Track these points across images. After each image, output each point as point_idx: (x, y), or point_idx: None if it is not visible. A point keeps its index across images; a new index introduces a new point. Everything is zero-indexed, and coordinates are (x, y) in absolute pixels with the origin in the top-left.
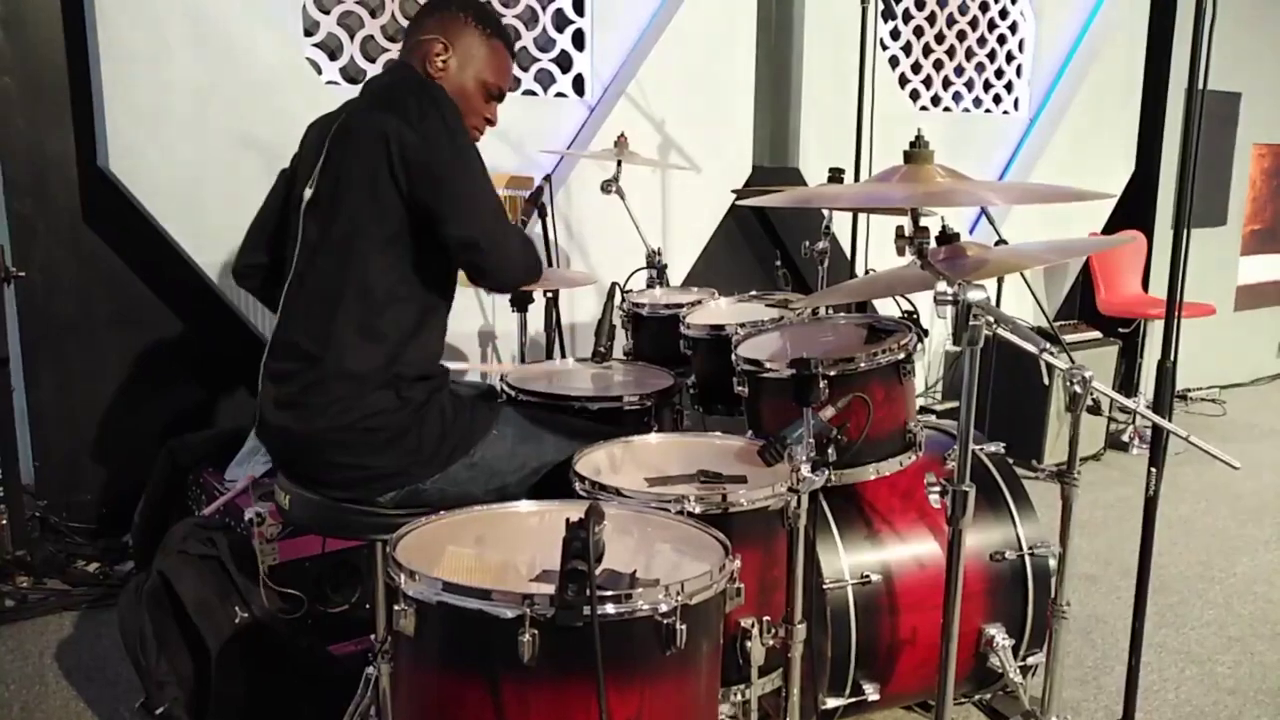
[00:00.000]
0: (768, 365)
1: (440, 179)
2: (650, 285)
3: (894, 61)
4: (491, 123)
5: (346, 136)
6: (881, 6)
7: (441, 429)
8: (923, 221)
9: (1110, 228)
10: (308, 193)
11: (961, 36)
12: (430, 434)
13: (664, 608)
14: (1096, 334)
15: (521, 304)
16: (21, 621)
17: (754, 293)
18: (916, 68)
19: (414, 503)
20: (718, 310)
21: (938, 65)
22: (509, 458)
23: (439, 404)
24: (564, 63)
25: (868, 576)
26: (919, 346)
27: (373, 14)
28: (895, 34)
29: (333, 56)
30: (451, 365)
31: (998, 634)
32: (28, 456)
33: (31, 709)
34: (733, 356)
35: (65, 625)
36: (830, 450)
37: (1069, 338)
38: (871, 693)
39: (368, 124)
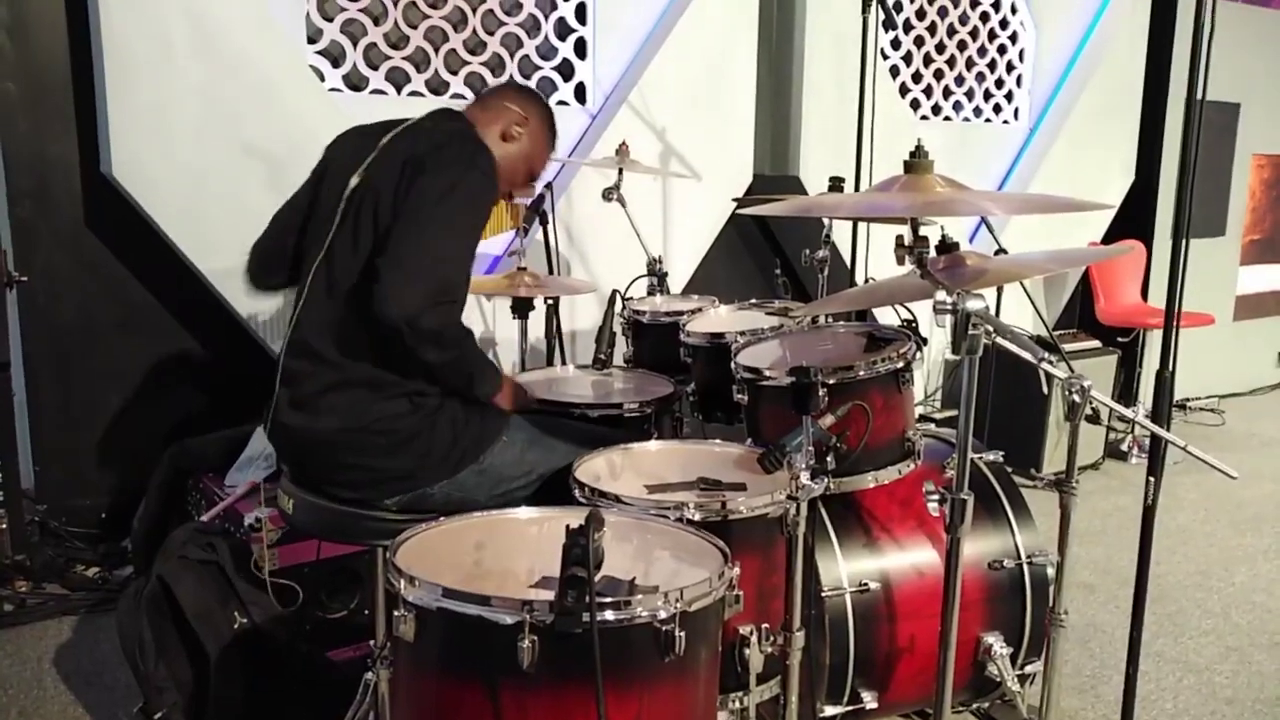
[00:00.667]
0: (767, 373)
1: (416, 209)
2: (650, 293)
3: (894, 71)
4: (510, 199)
5: (393, 147)
6: (882, 16)
7: (453, 435)
8: (922, 231)
9: (1110, 237)
10: (354, 180)
11: (962, 46)
12: (441, 439)
13: (663, 615)
14: (1095, 343)
15: (522, 311)
16: (20, 626)
17: (754, 301)
18: (917, 77)
19: (419, 507)
20: (718, 318)
21: (938, 75)
22: (517, 464)
23: (451, 410)
24: (566, 71)
25: (866, 584)
26: (918, 355)
27: (376, 22)
28: (896, 43)
29: (335, 64)
30: None
31: (996, 642)
32: (28, 461)
33: (30, 713)
34: (732, 364)
35: (64, 630)
36: (829, 458)
37: (1068, 347)
38: (870, 701)
39: (403, 143)
